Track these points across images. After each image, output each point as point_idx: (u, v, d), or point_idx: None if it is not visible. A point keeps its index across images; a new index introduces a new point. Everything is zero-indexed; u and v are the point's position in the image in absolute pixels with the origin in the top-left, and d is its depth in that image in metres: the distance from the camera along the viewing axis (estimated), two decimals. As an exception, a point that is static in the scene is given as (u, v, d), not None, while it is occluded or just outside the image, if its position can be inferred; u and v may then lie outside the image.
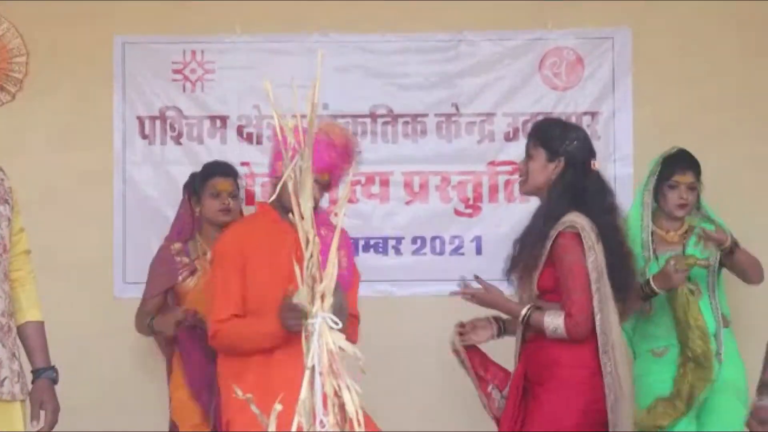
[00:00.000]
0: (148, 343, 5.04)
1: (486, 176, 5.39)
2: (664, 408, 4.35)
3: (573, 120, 5.15)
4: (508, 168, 5.35)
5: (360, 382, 1.89)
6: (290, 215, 1.94)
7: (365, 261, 5.09)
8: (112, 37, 5.38)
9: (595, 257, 3.80)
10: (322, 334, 1.85)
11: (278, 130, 1.92)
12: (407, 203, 5.42)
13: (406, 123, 5.42)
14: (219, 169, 4.92)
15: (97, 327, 5.26)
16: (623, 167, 5.30)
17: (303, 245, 1.89)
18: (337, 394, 1.85)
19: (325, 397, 1.85)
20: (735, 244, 4.46)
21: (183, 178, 5.08)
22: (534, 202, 4.10)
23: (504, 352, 4.07)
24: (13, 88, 3.66)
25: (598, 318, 3.79)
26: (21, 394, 3.40)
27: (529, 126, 5.15)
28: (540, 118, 5.12)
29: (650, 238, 4.55)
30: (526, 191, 4.06)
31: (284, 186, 1.90)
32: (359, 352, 1.87)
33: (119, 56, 5.39)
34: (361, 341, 3.84)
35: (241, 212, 4.96)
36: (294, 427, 1.87)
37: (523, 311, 3.88)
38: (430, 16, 5.41)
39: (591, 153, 3.98)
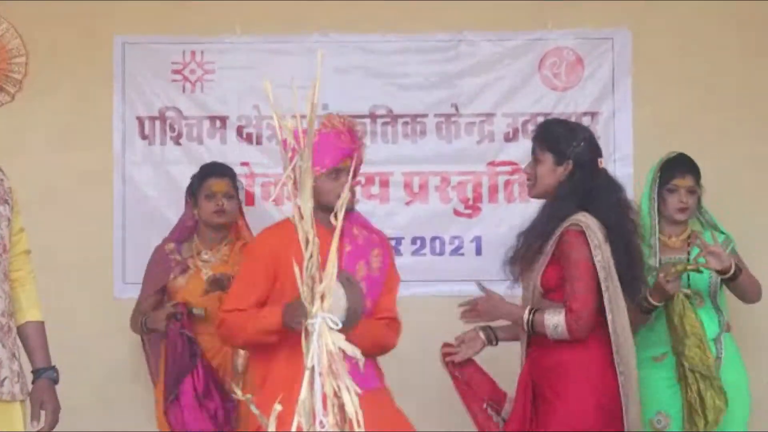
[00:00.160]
0: (148, 343, 5.04)
1: (486, 176, 5.39)
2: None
3: (573, 120, 5.14)
4: (508, 168, 5.35)
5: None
6: (332, 217, 1.97)
7: (365, 261, 5.09)
8: (112, 37, 5.38)
9: (602, 256, 3.80)
10: (322, 335, 1.85)
11: (278, 131, 1.92)
12: (407, 204, 5.42)
13: (405, 123, 5.42)
14: (214, 170, 4.90)
15: (96, 327, 5.26)
16: (623, 167, 5.29)
17: (303, 245, 1.89)
18: (337, 395, 1.85)
19: (324, 397, 1.85)
20: (738, 270, 4.31)
21: (183, 178, 5.08)
22: (535, 203, 4.10)
23: (508, 358, 4.06)
24: (12, 89, 3.65)
25: (609, 318, 3.79)
26: (21, 394, 3.40)
27: (529, 126, 5.16)
28: (540, 118, 5.12)
29: (657, 244, 4.50)
30: (536, 195, 4.05)
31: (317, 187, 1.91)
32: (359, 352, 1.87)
33: (119, 56, 5.39)
34: (361, 341, 3.83)
35: (240, 213, 4.96)
36: (294, 427, 1.87)
37: (525, 315, 3.87)
38: (430, 16, 5.41)
39: (598, 152, 3.99)
